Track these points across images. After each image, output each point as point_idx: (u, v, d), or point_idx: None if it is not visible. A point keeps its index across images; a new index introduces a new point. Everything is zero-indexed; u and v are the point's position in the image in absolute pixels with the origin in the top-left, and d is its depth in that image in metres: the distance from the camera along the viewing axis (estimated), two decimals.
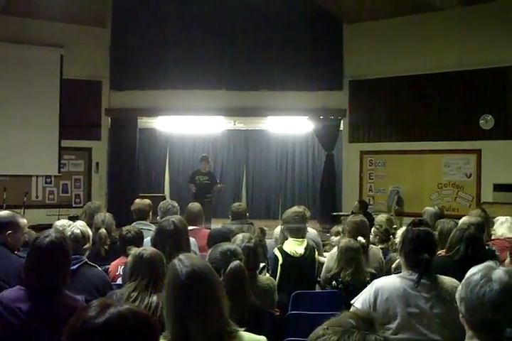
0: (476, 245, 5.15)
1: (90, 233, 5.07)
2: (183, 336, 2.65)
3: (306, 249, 5.78)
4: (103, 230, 6.10)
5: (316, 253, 5.98)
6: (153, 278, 3.89)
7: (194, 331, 2.62)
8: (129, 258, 4.10)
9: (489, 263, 2.55)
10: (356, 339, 1.67)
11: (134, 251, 4.14)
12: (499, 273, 2.41)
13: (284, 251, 5.73)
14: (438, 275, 3.77)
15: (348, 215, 12.43)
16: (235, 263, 3.55)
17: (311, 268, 5.85)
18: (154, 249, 4.27)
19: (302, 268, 5.73)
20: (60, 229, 4.87)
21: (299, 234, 5.95)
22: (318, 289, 5.95)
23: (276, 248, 5.88)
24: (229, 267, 3.53)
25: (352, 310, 1.88)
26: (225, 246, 3.88)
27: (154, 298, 3.80)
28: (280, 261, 5.67)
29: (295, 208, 6.44)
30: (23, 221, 5.05)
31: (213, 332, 2.64)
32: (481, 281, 2.40)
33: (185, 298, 2.69)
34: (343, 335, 1.69)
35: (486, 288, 2.37)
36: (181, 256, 2.87)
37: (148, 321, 1.99)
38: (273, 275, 5.54)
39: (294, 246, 5.77)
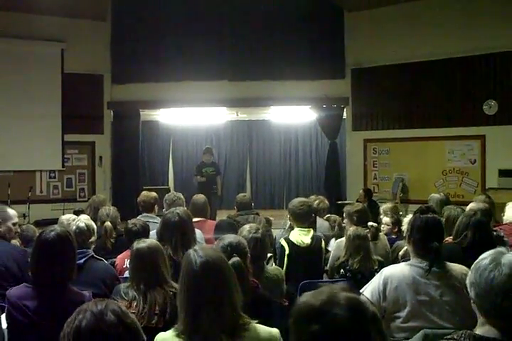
0: (484, 231, 5.13)
1: (95, 226, 5.07)
2: (194, 327, 2.66)
3: (312, 238, 5.74)
4: (108, 223, 6.09)
5: (323, 242, 5.95)
6: (153, 270, 3.88)
7: (206, 322, 2.62)
8: (131, 252, 4.11)
9: (499, 248, 2.53)
10: (325, 296, 1.88)
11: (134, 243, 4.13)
12: (509, 257, 2.39)
13: (291, 241, 5.69)
14: (447, 263, 3.75)
15: (356, 203, 12.49)
16: (233, 260, 3.51)
17: (318, 258, 5.82)
18: (153, 240, 4.25)
19: (309, 257, 5.71)
20: (66, 223, 4.88)
21: (305, 223, 5.92)
22: (325, 278, 5.94)
23: (282, 238, 5.84)
24: None
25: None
26: (227, 240, 3.81)
27: (160, 292, 3.80)
28: (287, 251, 5.64)
29: (301, 198, 6.41)
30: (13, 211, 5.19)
31: (225, 324, 2.64)
32: (489, 265, 2.37)
33: (198, 288, 2.71)
34: (315, 295, 1.90)
35: (495, 272, 2.35)
36: (197, 247, 2.91)
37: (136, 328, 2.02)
38: (280, 265, 5.53)
39: (301, 236, 5.73)
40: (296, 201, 6.10)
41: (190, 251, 2.87)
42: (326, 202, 7.70)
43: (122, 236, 6.05)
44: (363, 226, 5.98)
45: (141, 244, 4.03)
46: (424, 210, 3.93)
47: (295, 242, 5.69)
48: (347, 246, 5.50)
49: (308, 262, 5.70)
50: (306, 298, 1.91)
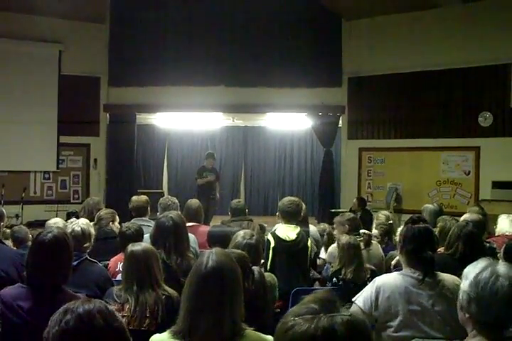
0: (475, 242, 5.15)
1: (92, 231, 5.05)
2: (190, 330, 2.67)
3: (298, 234, 5.84)
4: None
5: (309, 240, 6.03)
6: (146, 273, 3.90)
7: (203, 327, 2.63)
8: (125, 254, 4.13)
9: (487, 259, 2.55)
10: (324, 324, 1.67)
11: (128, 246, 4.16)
12: (504, 268, 2.42)
13: (277, 236, 5.80)
14: (439, 273, 3.77)
15: (346, 212, 12.48)
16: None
17: (303, 254, 5.89)
18: (147, 244, 4.28)
19: (294, 252, 5.78)
20: (59, 224, 4.88)
21: (293, 221, 6.00)
22: (317, 286, 5.96)
23: (269, 232, 6.00)
24: None
25: (314, 295, 1.88)
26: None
27: (152, 295, 3.81)
28: (272, 245, 5.74)
29: (291, 197, 6.50)
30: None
31: (222, 330, 2.64)
32: (491, 279, 2.39)
33: (202, 291, 2.72)
34: (312, 322, 1.69)
35: (497, 284, 2.37)
36: (215, 250, 2.90)
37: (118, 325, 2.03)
38: (265, 258, 5.60)
39: (287, 231, 5.84)
40: (286, 200, 6.23)
41: (207, 251, 2.89)
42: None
43: (115, 238, 6.06)
44: (355, 234, 6.02)
45: (135, 246, 4.06)
46: (416, 220, 3.94)
47: (281, 236, 5.79)
48: (340, 255, 5.51)
49: (292, 257, 5.77)
50: (300, 325, 1.72)
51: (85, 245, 4.80)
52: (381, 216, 7.29)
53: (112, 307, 2.09)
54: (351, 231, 6.15)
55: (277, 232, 5.84)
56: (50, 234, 3.58)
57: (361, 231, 6.10)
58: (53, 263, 3.51)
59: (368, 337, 1.74)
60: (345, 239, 5.61)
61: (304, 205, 7.50)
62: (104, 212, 6.78)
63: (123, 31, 14.48)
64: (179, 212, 5.56)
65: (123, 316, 3.66)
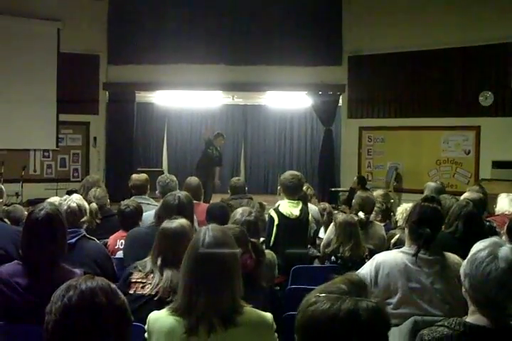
0: (474, 221, 5.15)
1: (87, 206, 5.05)
2: (188, 306, 2.67)
3: (301, 210, 5.85)
4: (93, 204, 6.05)
5: (310, 215, 6.07)
6: (174, 250, 3.80)
7: (202, 304, 2.63)
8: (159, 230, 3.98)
9: (495, 239, 2.55)
10: (348, 306, 1.65)
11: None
12: (505, 251, 2.41)
13: (280, 212, 5.79)
14: (441, 251, 3.76)
15: (346, 191, 12.51)
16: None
17: (305, 230, 5.95)
18: (181, 222, 4.06)
19: (297, 229, 5.82)
20: (56, 203, 4.87)
21: (295, 196, 6.00)
22: (316, 263, 5.97)
23: (272, 209, 5.98)
24: None
25: (346, 276, 1.83)
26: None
27: (176, 274, 3.75)
28: (276, 222, 5.74)
29: (293, 171, 6.49)
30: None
31: (219, 306, 2.65)
32: (486, 259, 2.39)
33: (199, 267, 2.71)
34: (335, 302, 1.67)
35: (491, 265, 2.37)
36: (210, 226, 2.87)
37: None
38: (268, 235, 5.65)
39: (290, 208, 5.84)
40: (288, 174, 6.23)
41: (204, 228, 2.86)
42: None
43: (114, 216, 6.06)
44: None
45: (168, 223, 3.79)
46: (428, 199, 3.95)
47: (284, 213, 5.78)
48: (337, 233, 5.50)
49: (295, 233, 5.81)
50: (323, 302, 1.69)
51: (82, 220, 4.79)
52: (377, 195, 7.28)
53: (115, 286, 2.07)
54: (356, 210, 6.14)
55: (280, 209, 5.83)
56: (42, 212, 3.57)
57: (359, 213, 6.07)
58: (48, 239, 3.50)
59: (389, 327, 1.72)
60: (341, 217, 5.61)
61: (311, 189, 7.52)
62: (98, 190, 6.66)
63: (122, 9, 14.39)
64: (187, 193, 5.46)
65: (147, 284, 3.58)
